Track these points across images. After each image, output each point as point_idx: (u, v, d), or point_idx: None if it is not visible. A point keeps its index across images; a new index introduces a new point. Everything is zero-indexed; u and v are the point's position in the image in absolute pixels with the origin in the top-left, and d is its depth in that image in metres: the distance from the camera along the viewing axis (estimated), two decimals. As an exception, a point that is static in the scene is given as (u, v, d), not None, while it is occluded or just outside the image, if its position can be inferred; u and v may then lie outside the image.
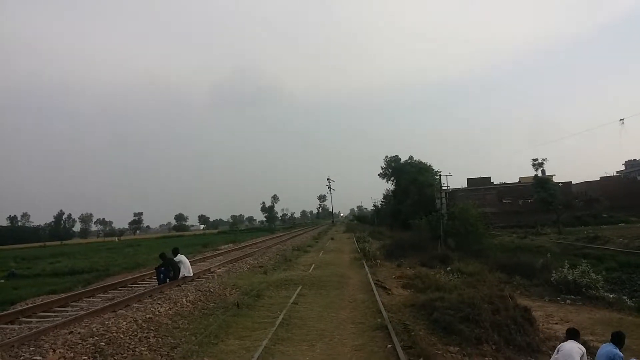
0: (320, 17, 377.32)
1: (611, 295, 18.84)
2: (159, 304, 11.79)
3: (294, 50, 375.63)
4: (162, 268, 15.53)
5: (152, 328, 9.51)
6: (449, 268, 21.88)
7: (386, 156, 74.38)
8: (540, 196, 66.90)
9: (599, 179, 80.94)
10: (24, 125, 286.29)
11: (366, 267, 20.46)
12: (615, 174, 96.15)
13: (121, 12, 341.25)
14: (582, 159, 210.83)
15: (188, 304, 12.08)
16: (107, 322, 9.52)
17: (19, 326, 10.15)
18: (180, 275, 15.93)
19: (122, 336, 8.76)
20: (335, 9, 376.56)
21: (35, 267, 30.70)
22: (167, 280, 15.40)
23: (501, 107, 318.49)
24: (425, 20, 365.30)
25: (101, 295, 14.26)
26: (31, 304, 13.04)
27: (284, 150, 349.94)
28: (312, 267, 20.70)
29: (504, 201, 77.14)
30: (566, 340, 7.83)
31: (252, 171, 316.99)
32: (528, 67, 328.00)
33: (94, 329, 8.94)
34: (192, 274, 16.60)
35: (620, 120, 30.69)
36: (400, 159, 71.89)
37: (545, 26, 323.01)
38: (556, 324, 14.37)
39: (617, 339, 7.57)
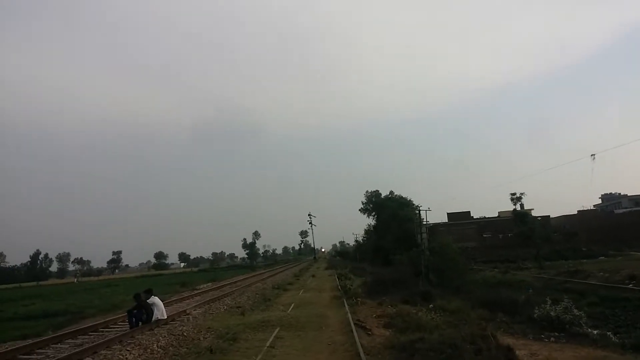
0: (300, 56, 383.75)
1: (595, 332, 18.61)
2: (128, 350, 11.26)
3: (274, 88, 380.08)
4: (135, 311, 14.97)
5: (118, 378, 9.01)
6: (430, 305, 21.53)
7: (367, 191, 74.36)
8: (519, 230, 67.51)
9: (576, 212, 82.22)
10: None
11: (346, 306, 20.03)
12: (592, 207, 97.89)
13: (94, 48, 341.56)
14: (560, 192, 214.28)
15: (159, 349, 11.57)
16: (70, 373, 8.98)
17: (-25, 378, 9.55)
18: (154, 318, 15.35)
19: (84, 388, 8.26)
20: (312, 47, 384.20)
21: (8, 310, 29.43)
22: (140, 323, 14.81)
23: (480, 141, 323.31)
24: (401, 56, 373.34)
25: (70, 341, 13.63)
26: (-5, 351, 12.37)
27: (265, 186, 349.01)
28: (291, 307, 20.20)
29: (484, 235, 77.59)
30: None
31: (233, 208, 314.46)
32: (505, 101, 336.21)
33: (55, 381, 8.41)
34: (165, 317, 16.02)
35: (592, 155, 31.00)
36: (380, 194, 71.92)
37: (520, 63, 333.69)
38: (540, 363, 14.08)
39: None
